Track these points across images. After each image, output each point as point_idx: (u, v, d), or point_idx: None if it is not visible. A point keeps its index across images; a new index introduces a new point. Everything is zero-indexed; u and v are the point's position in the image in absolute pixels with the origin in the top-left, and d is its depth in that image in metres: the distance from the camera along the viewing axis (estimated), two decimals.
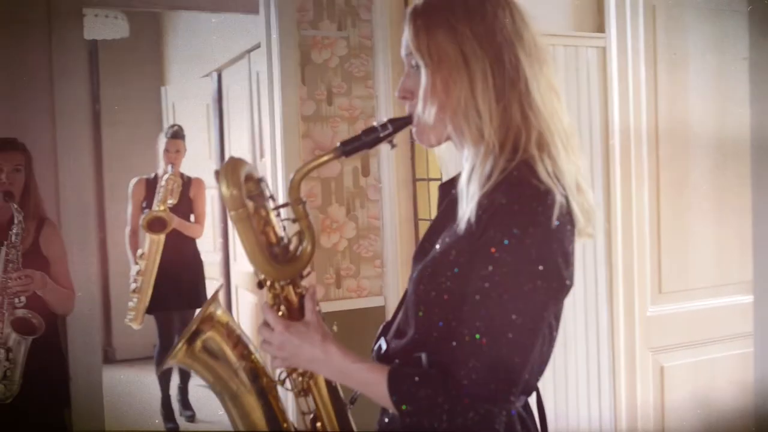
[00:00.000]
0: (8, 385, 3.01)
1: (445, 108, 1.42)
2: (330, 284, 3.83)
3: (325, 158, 1.51)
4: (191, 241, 5.16)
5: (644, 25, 3.98)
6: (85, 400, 3.81)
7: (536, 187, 1.33)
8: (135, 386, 6.21)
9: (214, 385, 1.62)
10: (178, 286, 5.00)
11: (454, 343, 1.34)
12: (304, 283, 1.53)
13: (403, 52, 1.47)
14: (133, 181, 5.15)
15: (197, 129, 5.92)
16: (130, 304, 5.09)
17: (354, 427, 1.63)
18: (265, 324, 1.50)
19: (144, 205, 5.02)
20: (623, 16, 3.98)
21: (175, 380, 5.45)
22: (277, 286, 1.51)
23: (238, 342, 1.62)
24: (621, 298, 4.14)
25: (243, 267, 5.44)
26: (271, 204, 1.51)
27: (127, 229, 5.12)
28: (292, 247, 1.50)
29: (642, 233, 4.07)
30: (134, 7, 4.78)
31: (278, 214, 1.52)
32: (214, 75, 5.88)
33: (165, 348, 5.05)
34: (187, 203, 5.10)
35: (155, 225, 4.82)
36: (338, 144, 1.50)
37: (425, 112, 1.43)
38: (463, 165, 1.44)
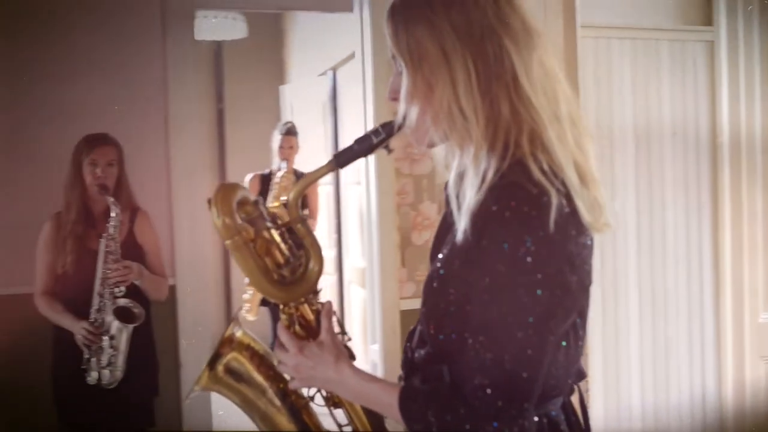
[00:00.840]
0: (112, 371, 3.16)
1: (427, 109, 1.36)
2: (420, 281, 3.80)
3: (320, 172, 1.50)
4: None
5: (759, 16, 3.78)
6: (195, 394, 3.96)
7: (528, 191, 1.26)
8: None
9: (243, 408, 1.65)
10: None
11: (467, 358, 1.30)
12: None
13: (388, 53, 1.41)
14: (248, 177, 5.32)
15: (313, 126, 6.05)
16: (245, 296, 5.28)
17: None
18: (280, 345, 1.51)
19: None
20: (734, 6, 3.79)
21: None
22: (291, 306, 1.52)
23: (261, 362, 1.63)
24: (729, 304, 3.97)
25: (356, 263, 5.53)
26: (272, 225, 1.51)
27: None
28: (299, 268, 1.51)
29: (754, 236, 3.89)
30: (245, 8, 4.92)
31: (282, 234, 1.52)
32: (330, 73, 5.96)
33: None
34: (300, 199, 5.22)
35: None
36: (332, 156, 1.49)
37: (408, 114, 1.38)
38: (453, 167, 1.39)
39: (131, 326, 3.14)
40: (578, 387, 1.50)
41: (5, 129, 3.64)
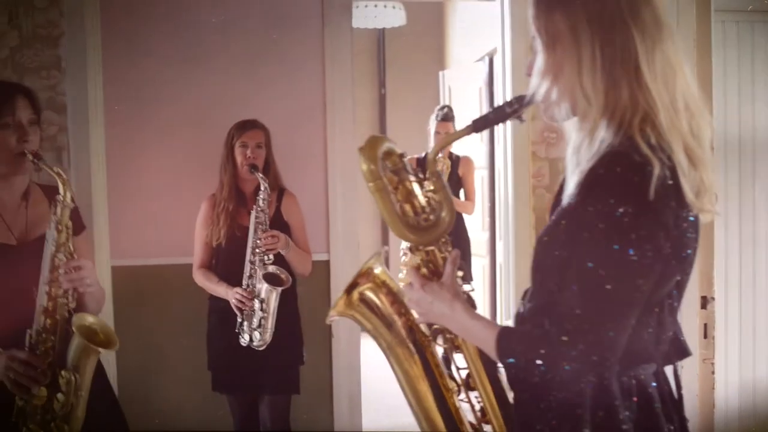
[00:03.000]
0: (262, 332, 3.38)
1: (555, 86, 1.50)
2: None
3: (458, 134, 1.66)
4: (459, 219, 5.37)
5: None
6: (345, 358, 4.16)
7: (633, 159, 1.38)
8: None
9: (373, 335, 1.82)
10: None
11: (560, 307, 1.43)
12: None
13: (530, 34, 1.56)
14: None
15: (470, 111, 6.13)
16: (401, 275, 5.43)
17: (503, 384, 1.74)
18: (409, 283, 1.69)
19: None
20: None
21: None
22: (425, 250, 1.69)
23: (395, 299, 1.80)
24: None
25: (508, 246, 5.58)
26: (413, 177, 1.68)
27: None
28: (432, 216, 1.67)
29: None
30: None
31: (422, 186, 1.68)
32: (487, 59, 5.99)
33: None
34: (455, 181, 5.33)
35: None
36: (471, 121, 1.63)
37: (538, 88, 1.52)
38: (572, 139, 1.51)
39: (279, 289, 3.37)
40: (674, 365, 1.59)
41: (170, 116, 3.95)
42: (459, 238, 5.38)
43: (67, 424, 2.19)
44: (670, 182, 1.39)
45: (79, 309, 2.26)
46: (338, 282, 4.08)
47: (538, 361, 1.42)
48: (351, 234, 4.16)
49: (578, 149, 1.47)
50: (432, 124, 5.36)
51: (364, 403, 4.25)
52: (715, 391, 3.66)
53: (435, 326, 1.75)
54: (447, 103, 6.57)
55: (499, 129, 5.47)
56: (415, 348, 1.80)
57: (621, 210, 1.36)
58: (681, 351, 1.61)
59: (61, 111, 3.54)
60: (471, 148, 5.62)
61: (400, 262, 5.02)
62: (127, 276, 3.86)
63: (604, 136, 1.43)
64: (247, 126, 3.55)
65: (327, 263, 4.06)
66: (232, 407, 3.65)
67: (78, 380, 2.17)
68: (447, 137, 1.72)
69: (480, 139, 6.14)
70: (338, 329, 4.11)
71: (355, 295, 1.79)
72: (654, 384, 1.53)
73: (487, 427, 1.79)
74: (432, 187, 1.66)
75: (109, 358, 3.58)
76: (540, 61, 1.51)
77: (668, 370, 1.60)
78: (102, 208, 3.69)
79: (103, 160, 3.70)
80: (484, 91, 6.07)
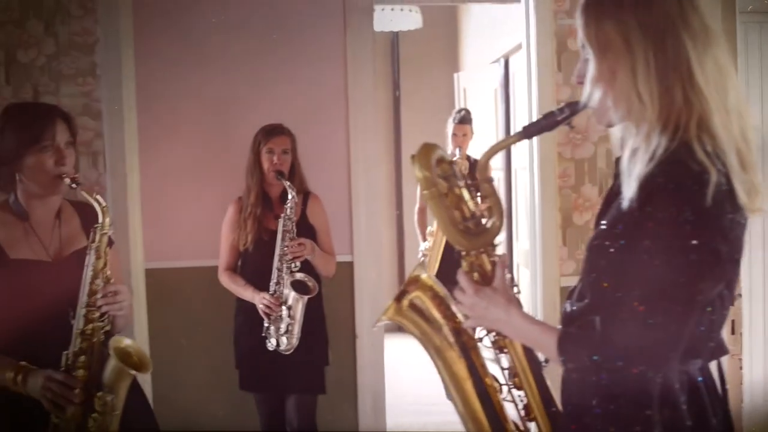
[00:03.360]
0: (289, 338, 3.44)
1: (609, 92, 1.55)
2: (580, 259, 3.90)
3: (510, 140, 1.72)
4: None
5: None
6: (369, 358, 4.21)
7: (692, 168, 1.43)
8: (418, 355, 6.61)
9: (420, 340, 1.88)
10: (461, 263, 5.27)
11: (620, 309, 1.48)
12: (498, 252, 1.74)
13: (578, 43, 1.61)
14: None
15: (486, 112, 6.18)
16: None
17: (549, 384, 1.82)
18: (460, 288, 1.74)
19: None
20: None
21: None
22: (472, 255, 1.75)
23: (441, 303, 1.86)
24: None
25: (524, 246, 5.64)
26: (463, 183, 1.74)
27: (416, 207, 5.50)
28: (483, 221, 1.72)
29: None
30: (422, 2, 5.12)
31: (471, 192, 1.73)
32: (502, 61, 6.06)
33: None
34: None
35: None
36: (522, 127, 1.68)
37: (592, 95, 1.57)
38: (627, 143, 1.55)
39: (306, 297, 3.42)
40: (719, 362, 1.64)
41: (197, 120, 4.02)
42: None
43: None
44: (725, 188, 1.45)
45: (110, 327, 2.33)
46: (362, 283, 4.15)
47: (604, 363, 1.48)
48: (374, 235, 4.21)
49: (634, 154, 1.50)
50: (450, 127, 5.39)
51: (387, 402, 4.29)
52: (743, 386, 3.72)
53: (482, 329, 1.80)
54: (462, 104, 6.63)
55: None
56: (462, 350, 1.85)
57: (682, 217, 1.41)
58: (722, 348, 1.65)
59: (96, 117, 3.63)
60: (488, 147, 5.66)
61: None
62: (159, 278, 3.94)
63: (659, 141, 1.47)
64: (273, 132, 3.60)
65: (350, 264, 4.12)
66: (259, 406, 3.70)
67: (113, 401, 2.23)
68: (498, 143, 1.75)
69: (496, 140, 6.19)
70: (362, 329, 4.17)
71: (405, 302, 1.86)
72: (700, 379, 1.58)
73: (531, 425, 1.84)
74: (482, 193, 1.71)
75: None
76: (592, 68, 1.56)
77: (712, 366, 1.64)
78: (136, 211, 3.77)
79: (137, 164, 3.77)
80: (499, 92, 6.13)
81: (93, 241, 2.29)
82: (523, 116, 5.59)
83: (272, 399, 3.68)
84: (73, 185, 2.30)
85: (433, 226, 5.24)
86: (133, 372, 2.26)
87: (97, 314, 2.26)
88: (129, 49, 3.70)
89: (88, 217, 2.37)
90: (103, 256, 2.29)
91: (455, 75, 7.01)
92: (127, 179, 3.70)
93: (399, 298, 1.85)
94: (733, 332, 3.67)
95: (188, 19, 3.97)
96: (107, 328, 2.29)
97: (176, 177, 4.00)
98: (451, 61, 7.51)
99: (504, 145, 1.75)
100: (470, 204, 1.74)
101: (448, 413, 5.37)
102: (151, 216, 3.89)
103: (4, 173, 2.33)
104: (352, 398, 4.17)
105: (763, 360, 3.87)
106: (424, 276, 1.86)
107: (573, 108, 1.64)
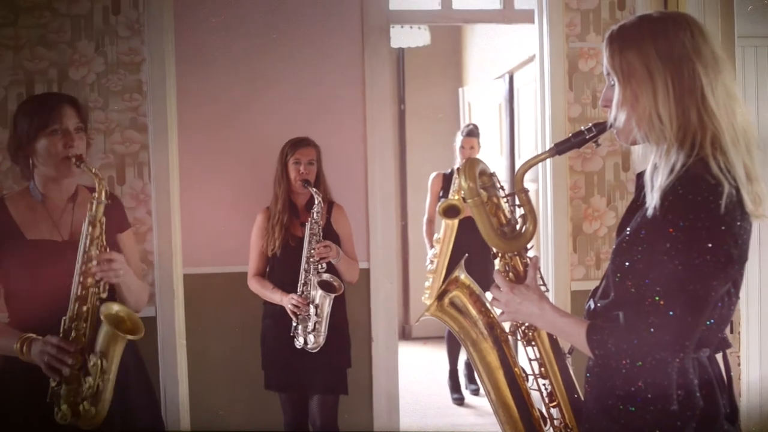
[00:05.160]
0: (316, 336, 3.59)
1: (633, 115, 1.76)
2: (590, 266, 4.22)
3: (541, 157, 1.94)
4: None
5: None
6: (384, 361, 4.38)
7: (708, 181, 1.65)
8: (427, 361, 6.79)
9: (458, 333, 2.10)
10: (469, 268, 5.39)
11: (643, 304, 1.69)
12: (530, 255, 1.98)
13: (603, 70, 1.83)
14: (432, 175, 5.71)
15: (490, 126, 6.39)
16: (426, 283, 5.68)
17: (572, 373, 2.04)
18: (496, 286, 1.96)
19: (441, 195, 5.53)
20: None
21: (463, 357, 5.97)
22: (507, 257, 1.97)
23: (477, 300, 2.09)
24: None
25: (547, 252, 5.80)
26: (501, 193, 1.96)
27: (425, 218, 5.67)
28: (517, 227, 1.95)
29: None
30: (433, 22, 5.33)
31: (507, 201, 1.95)
32: (506, 77, 6.26)
33: None
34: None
35: (450, 211, 5.26)
36: (553, 144, 1.90)
37: (617, 117, 1.79)
38: (650, 159, 1.77)
39: (333, 295, 3.59)
40: (724, 352, 1.86)
41: (231, 134, 4.24)
42: (486, 248, 5.58)
43: (95, 406, 2.35)
44: (735, 198, 1.66)
45: (118, 302, 2.46)
46: (377, 289, 4.34)
47: (629, 350, 1.69)
48: (389, 244, 4.40)
49: (656, 169, 1.72)
50: (458, 140, 5.58)
51: (401, 403, 4.46)
52: (740, 382, 3.91)
53: (512, 323, 2.02)
54: (467, 118, 6.85)
55: (530, 145, 5.74)
56: (494, 342, 2.07)
57: (698, 224, 1.63)
58: (726, 342, 1.87)
59: (142, 131, 3.82)
60: (492, 162, 5.86)
61: (427, 270, 5.29)
62: (194, 282, 4.10)
63: (677, 157, 1.69)
64: (300, 144, 3.80)
65: (367, 271, 4.30)
66: (284, 405, 3.84)
67: (105, 364, 2.33)
68: (531, 159, 1.95)
69: (500, 152, 6.41)
70: (378, 333, 4.35)
71: (446, 300, 2.08)
72: (709, 365, 1.80)
73: (554, 411, 2.06)
74: (518, 202, 1.93)
75: (180, 357, 3.88)
76: (617, 93, 1.78)
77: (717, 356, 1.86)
78: (177, 219, 3.94)
79: (178, 175, 3.97)
80: (504, 107, 6.32)
81: (90, 210, 2.42)
82: (527, 130, 5.82)
83: (296, 399, 3.81)
84: (77, 163, 2.46)
85: (439, 234, 5.42)
86: (129, 336, 2.36)
87: (92, 280, 2.39)
88: (172, 68, 3.90)
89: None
90: (98, 225, 2.42)
91: (460, 90, 7.21)
92: (170, 189, 3.88)
93: (440, 297, 2.07)
94: (732, 331, 3.87)
95: (224, 42, 4.20)
96: (103, 295, 2.40)
97: (210, 188, 4.21)
98: (456, 76, 7.70)
99: (537, 161, 1.95)
100: (506, 211, 1.97)
101: (454, 416, 5.56)
102: (188, 224, 4.07)
103: (21, 157, 2.52)
104: (367, 399, 4.34)
105: (759, 358, 4.08)
106: (462, 276, 2.08)
107: (600, 128, 1.86)
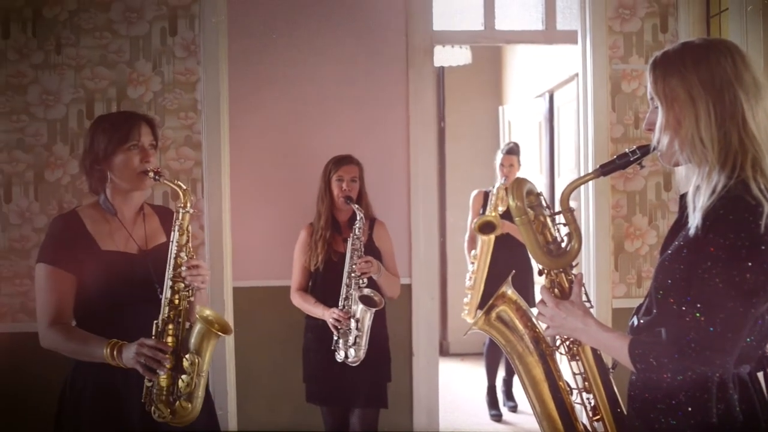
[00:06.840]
0: (357, 349, 3.64)
1: (676, 138, 1.83)
2: (632, 284, 4.28)
3: (587, 177, 2.02)
4: (522, 246, 5.57)
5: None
6: (424, 375, 4.46)
7: (748, 202, 1.71)
8: (465, 377, 6.83)
9: (505, 347, 2.18)
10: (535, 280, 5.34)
11: (684, 320, 1.75)
12: (574, 272, 2.04)
13: (648, 95, 1.90)
14: (474, 193, 5.76)
15: (530, 145, 6.44)
16: (465, 300, 5.73)
17: (615, 387, 2.10)
18: (542, 301, 2.03)
19: (481, 212, 5.55)
20: None
21: (501, 374, 6.01)
22: (552, 273, 2.04)
23: (523, 315, 2.16)
24: None
25: (589, 270, 5.82)
26: (547, 212, 2.03)
27: (466, 236, 5.71)
28: (563, 245, 2.02)
29: None
30: (476, 43, 5.40)
31: (553, 220, 2.02)
32: (547, 95, 6.31)
33: (493, 341, 5.55)
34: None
35: (485, 228, 5.29)
36: (598, 166, 1.97)
37: (661, 141, 1.86)
38: (692, 181, 1.83)
39: (373, 310, 3.64)
40: (765, 370, 1.91)
41: (278, 152, 4.37)
42: (522, 264, 5.59)
43: (190, 403, 2.47)
44: None
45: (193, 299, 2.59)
46: (418, 305, 4.42)
47: (670, 365, 1.75)
48: (431, 260, 4.49)
49: (698, 190, 1.78)
50: (498, 158, 5.63)
51: (441, 416, 4.54)
52: None
53: (557, 338, 2.09)
54: (506, 136, 6.90)
55: (570, 163, 5.78)
56: (540, 356, 2.14)
57: (739, 243, 1.68)
58: (765, 361, 1.92)
59: (196, 148, 3.97)
60: (532, 180, 5.88)
61: (466, 286, 5.34)
62: (242, 295, 4.23)
63: (719, 178, 1.75)
64: (343, 161, 3.88)
65: (409, 287, 4.38)
66: (325, 418, 3.90)
67: (200, 362, 2.47)
68: (577, 180, 2.03)
69: (540, 171, 6.45)
70: (418, 348, 4.43)
71: (493, 314, 2.16)
72: (749, 382, 1.85)
73: (597, 424, 2.12)
74: (564, 221, 2.00)
75: (229, 365, 3.99)
76: (661, 117, 1.84)
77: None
78: (228, 233, 4.07)
79: (229, 191, 4.09)
80: (544, 125, 6.37)
81: (177, 219, 2.55)
82: (567, 149, 5.86)
83: (337, 412, 3.87)
84: (156, 177, 2.59)
85: (477, 250, 5.47)
86: (220, 334, 2.50)
87: (182, 285, 2.52)
88: (225, 87, 4.03)
89: (164, 217, 2.72)
90: (186, 232, 2.55)
91: (500, 108, 7.26)
92: (222, 204, 4.00)
93: (488, 311, 2.14)
94: None
95: (275, 64, 4.35)
96: (191, 298, 2.55)
97: (258, 204, 4.34)
98: (496, 94, 7.77)
99: (583, 181, 2.03)
100: (552, 229, 2.04)
101: (489, 424, 5.60)
102: (237, 238, 4.18)
103: (97, 172, 2.64)
104: (407, 414, 4.42)
105: None
106: (509, 292, 2.15)
107: (644, 150, 1.93)
